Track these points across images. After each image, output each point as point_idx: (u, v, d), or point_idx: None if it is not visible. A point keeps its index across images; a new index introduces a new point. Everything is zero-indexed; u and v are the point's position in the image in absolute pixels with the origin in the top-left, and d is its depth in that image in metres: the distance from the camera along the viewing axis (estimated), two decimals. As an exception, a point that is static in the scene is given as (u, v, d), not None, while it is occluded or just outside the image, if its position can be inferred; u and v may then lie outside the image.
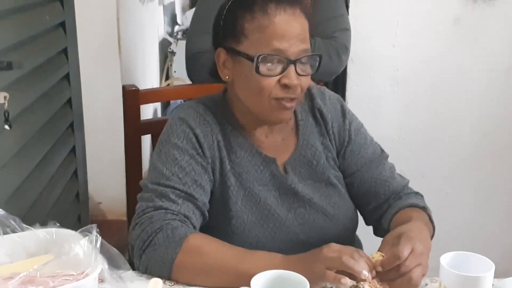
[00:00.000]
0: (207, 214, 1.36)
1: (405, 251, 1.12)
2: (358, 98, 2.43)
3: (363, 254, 1.14)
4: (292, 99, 1.32)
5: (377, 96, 2.44)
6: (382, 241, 1.20)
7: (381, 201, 1.46)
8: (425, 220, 1.37)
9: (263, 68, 1.28)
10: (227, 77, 1.37)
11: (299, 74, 1.30)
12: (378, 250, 1.17)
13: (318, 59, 1.33)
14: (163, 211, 1.28)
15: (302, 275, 1.08)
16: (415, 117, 2.47)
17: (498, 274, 1.24)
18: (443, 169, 2.53)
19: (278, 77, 1.29)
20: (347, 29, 2.17)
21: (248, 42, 1.30)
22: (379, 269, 1.11)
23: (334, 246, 1.15)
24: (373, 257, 1.14)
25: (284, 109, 1.32)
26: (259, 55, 1.27)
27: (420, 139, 2.49)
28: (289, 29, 1.28)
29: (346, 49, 2.14)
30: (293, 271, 1.10)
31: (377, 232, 1.50)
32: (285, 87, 1.29)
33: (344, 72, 2.37)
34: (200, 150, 1.35)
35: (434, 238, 2.51)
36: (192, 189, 1.32)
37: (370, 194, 1.47)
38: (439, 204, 2.52)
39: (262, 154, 1.40)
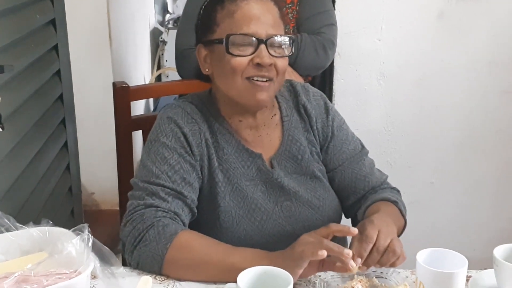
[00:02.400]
0: (196, 211, 1.39)
1: (372, 232, 1.18)
2: (345, 92, 2.46)
3: None
4: (267, 80, 1.34)
5: (363, 90, 2.46)
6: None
7: (359, 196, 1.50)
8: (394, 214, 1.42)
9: (234, 49, 1.32)
10: (207, 70, 1.41)
11: (272, 55, 1.33)
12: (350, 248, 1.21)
13: (291, 41, 1.36)
14: (154, 208, 1.31)
15: (284, 264, 1.13)
16: (401, 110, 2.49)
17: (483, 264, 1.28)
18: (429, 160, 2.56)
19: (250, 57, 1.32)
20: (333, 24, 2.20)
21: (220, 29, 1.35)
22: (359, 261, 1.16)
23: (311, 233, 1.20)
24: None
25: (258, 89, 1.34)
26: (228, 35, 1.32)
27: (406, 131, 2.52)
28: (257, 13, 1.33)
29: (332, 44, 2.17)
30: (275, 263, 1.14)
31: (354, 225, 1.52)
32: (258, 66, 1.32)
33: (331, 67, 2.39)
34: (188, 149, 1.38)
35: (421, 227, 2.59)
36: (181, 186, 1.35)
37: (350, 189, 1.51)
38: (425, 194, 2.58)
39: (249, 150, 1.43)
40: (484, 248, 1.47)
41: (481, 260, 1.32)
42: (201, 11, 1.43)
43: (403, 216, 1.45)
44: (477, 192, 2.60)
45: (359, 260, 1.17)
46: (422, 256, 1.13)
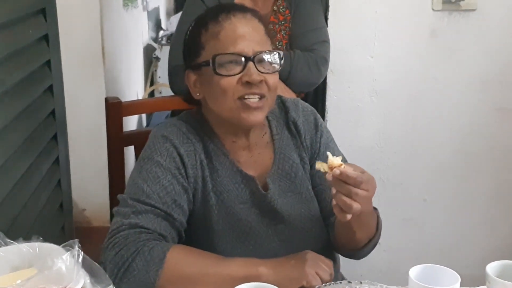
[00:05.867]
0: (183, 234, 1.37)
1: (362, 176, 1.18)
2: (337, 109, 2.46)
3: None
4: (259, 99, 1.33)
5: (356, 106, 2.47)
6: None
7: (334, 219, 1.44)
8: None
9: (221, 69, 1.31)
10: (197, 94, 1.40)
11: (261, 72, 1.32)
12: None
13: (280, 56, 1.35)
14: (138, 230, 1.28)
15: (287, 272, 1.21)
16: (393, 127, 2.50)
17: (475, 281, 1.29)
18: (421, 177, 2.56)
19: (238, 76, 1.31)
20: (325, 41, 2.21)
21: (206, 51, 1.34)
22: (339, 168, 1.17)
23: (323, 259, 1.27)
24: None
25: (250, 109, 1.33)
26: (214, 55, 1.31)
27: (398, 148, 2.52)
28: (242, 32, 1.32)
29: (325, 60, 2.18)
30: (277, 270, 1.21)
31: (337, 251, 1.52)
32: (248, 84, 1.31)
33: (323, 83, 2.40)
34: (183, 170, 1.36)
35: (414, 243, 2.57)
36: (171, 208, 1.32)
37: (329, 210, 1.44)
38: (418, 211, 2.58)
39: (242, 173, 1.41)
40: (477, 265, 1.47)
41: (474, 277, 1.31)
42: (187, 36, 1.42)
43: (378, 223, 1.41)
44: (470, 209, 2.60)
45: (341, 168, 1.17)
46: (414, 272, 1.13)
